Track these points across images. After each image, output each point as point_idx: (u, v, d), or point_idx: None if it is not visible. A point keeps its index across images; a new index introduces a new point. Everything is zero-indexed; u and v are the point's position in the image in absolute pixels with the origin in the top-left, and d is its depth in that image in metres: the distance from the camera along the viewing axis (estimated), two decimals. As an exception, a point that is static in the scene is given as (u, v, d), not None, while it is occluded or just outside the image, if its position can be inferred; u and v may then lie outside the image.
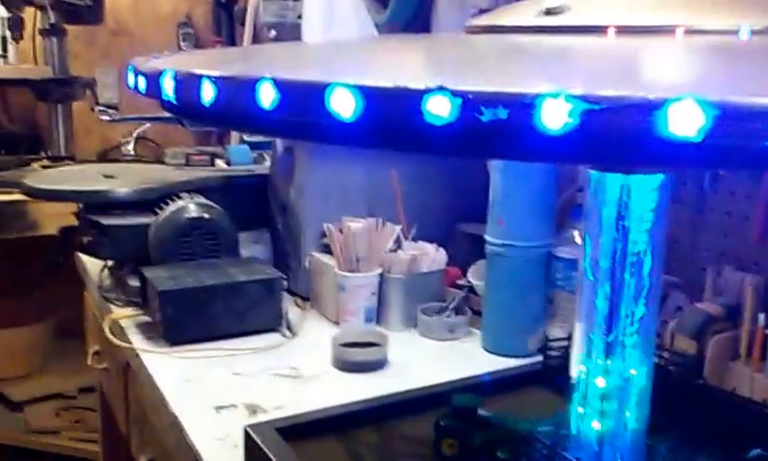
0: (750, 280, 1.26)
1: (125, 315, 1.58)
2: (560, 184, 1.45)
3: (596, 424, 0.82)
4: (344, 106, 0.45)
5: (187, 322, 1.45)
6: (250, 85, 0.49)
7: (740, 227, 1.35)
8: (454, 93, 0.41)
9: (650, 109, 0.37)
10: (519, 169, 1.39)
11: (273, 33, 2.54)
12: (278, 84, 0.48)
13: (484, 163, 1.60)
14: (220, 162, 2.08)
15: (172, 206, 1.61)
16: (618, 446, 0.82)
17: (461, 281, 1.61)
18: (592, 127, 0.39)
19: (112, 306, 1.65)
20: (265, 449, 0.87)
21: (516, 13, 0.63)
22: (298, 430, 0.93)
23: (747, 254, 1.34)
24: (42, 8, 3.11)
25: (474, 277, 1.58)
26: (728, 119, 0.37)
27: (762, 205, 1.28)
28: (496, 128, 0.40)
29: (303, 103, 0.47)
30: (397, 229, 1.60)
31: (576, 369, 0.83)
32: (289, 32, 2.52)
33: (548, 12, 0.58)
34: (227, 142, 2.66)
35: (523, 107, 0.40)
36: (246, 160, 2.01)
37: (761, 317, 1.20)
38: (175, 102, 0.57)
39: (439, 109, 0.42)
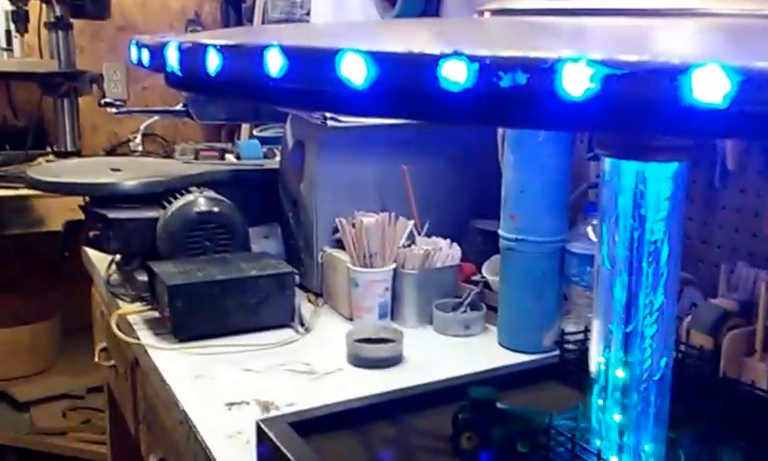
0: (763, 276, 1.27)
1: (133, 310, 1.58)
2: (574, 179, 1.45)
3: (617, 416, 0.82)
4: (355, 72, 0.44)
5: (197, 317, 1.45)
6: (257, 53, 0.48)
7: (751, 223, 1.36)
8: (471, 58, 0.41)
9: (674, 74, 0.37)
10: (532, 164, 1.39)
11: (281, 29, 2.54)
12: (286, 51, 0.47)
13: (497, 159, 1.61)
14: (230, 158, 2.09)
15: (181, 200, 1.62)
16: (641, 437, 0.82)
17: (475, 277, 1.61)
18: (615, 93, 0.39)
19: (120, 302, 1.65)
20: (278, 444, 0.87)
21: (529, -2, 0.63)
22: (311, 425, 0.93)
23: (759, 249, 1.34)
24: (47, 1, 3.13)
25: (489, 272, 1.59)
26: (754, 85, 0.36)
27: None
28: (516, 94, 0.40)
29: (313, 70, 0.46)
30: (411, 224, 1.60)
31: (595, 361, 0.83)
32: (297, 28, 2.52)
33: (561, -4, 0.59)
34: (237, 137, 2.67)
35: (543, 72, 0.39)
36: (256, 155, 2.02)
37: (776, 312, 1.20)
38: (180, 73, 0.57)
39: (455, 75, 0.42)
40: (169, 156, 2.39)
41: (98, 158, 2.23)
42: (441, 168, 1.75)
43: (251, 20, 2.84)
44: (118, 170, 1.78)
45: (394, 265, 1.55)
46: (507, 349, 1.45)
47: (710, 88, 0.37)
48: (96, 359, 2.03)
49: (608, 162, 0.78)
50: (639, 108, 0.39)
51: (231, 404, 1.22)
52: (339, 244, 1.62)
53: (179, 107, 1.93)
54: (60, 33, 3.17)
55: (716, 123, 0.38)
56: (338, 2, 1.94)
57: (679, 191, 0.77)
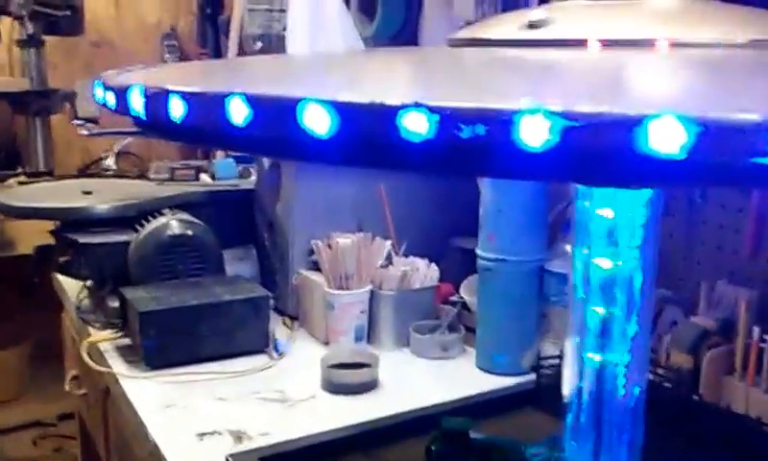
0: (743, 294, 1.28)
1: (104, 338, 1.57)
2: (551, 198, 1.46)
3: (590, 447, 0.82)
4: (318, 122, 0.45)
5: (169, 344, 1.45)
6: (220, 101, 0.48)
7: (733, 240, 1.37)
8: (431, 109, 0.41)
9: (630, 125, 0.38)
10: (510, 183, 1.40)
11: (258, 44, 2.54)
12: (250, 100, 0.48)
13: (474, 177, 1.61)
14: (205, 177, 2.08)
15: (153, 223, 1.61)
16: (613, 468, 0.82)
17: (453, 298, 1.61)
18: (573, 144, 0.39)
19: (91, 329, 1.64)
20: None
21: (500, 26, 0.63)
22: (283, 459, 0.93)
23: (740, 267, 1.35)
24: (19, 18, 3.11)
25: (467, 292, 1.59)
26: (711, 136, 0.37)
27: (753, 218, 1.30)
28: (476, 145, 0.40)
29: (276, 119, 0.47)
30: (388, 244, 1.60)
31: (569, 388, 0.83)
32: (275, 43, 2.52)
33: (531, 26, 0.59)
34: (212, 156, 2.67)
35: (502, 124, 0.40)
36: (231, 175, 2.01)
37: (756, 331, 1.22)
38: (144, 118, 0.57)
39: (416, 126, 0.42)
40: (143, 174, 2.38)
41: (69, 181, 2.21)
42: (418, 187, 1.75)
43: (227, 34, 2.83)
44: (89, 193, 1.77)
45: (370, 287, 1.55)
46: (485, 371, 1.45)
47: (667, 139, 0.37)
48: (67, 388, 2.01)
49: (580, 189, 0.78)
50: (599, 159, 0.39)
51: (203, 435, 1.22)
52: (315, 266, 1.62)
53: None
54: (33, 50, 3.16)
55: (676, 173, 0.38)
56: (315, 17, 1.94)
57: (653, 218, 0.77)
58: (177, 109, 0.53)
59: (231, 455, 0.92)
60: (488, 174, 0.43)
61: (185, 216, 1.65)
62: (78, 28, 3.21)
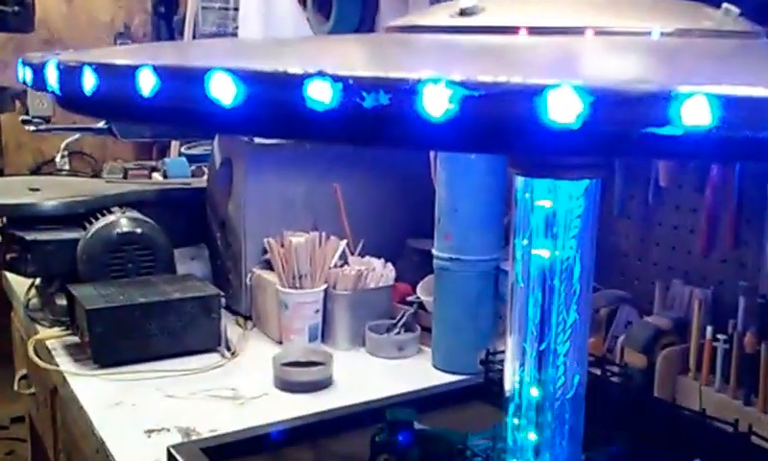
0: (697, 294, 1.31)
1: (52, 336, 1.58)
2: (508, 198, 1.49)
3: (532, 436, 0.85)
4: (224, 91, 0.47)
5: (118, 342, 1.46)
6: (129, 73, 0.50)
7: (687, 241, 1.40)
8: (335, 78, 0.43)
9: (528, 95, 0.40)
10: (465, 182, 1.42)
11: (212, 43, 2.55)
12: (158, 71, 0.50)
13: (431, 177, 1.63)
14: (157, 176, 2.09)
15: (102, 221, 1.62)
16: (555, 456, 0.85)
17: (410, 298, 1.63)
18: (473, 113, 0.41)
19: (39, 327, 1.65)
20: (190, 470, 0.88)
21: (434, 15, 0.66)
22: (226, 450, 0.95)
23: (694, 267, 1.39)
24: (-35, 14, 3.10)
25: (423, 292, 1.61)
26: (604, 105, 0.39)
27: (706, 218, 1.33)
28: (379, 114, 0.43)
29: (183, 89, 0.49)
30: (343, 243, 1.62)
31: (510, 380, 0.86)
32: (229, 41, 2.54)
33: (462, 13, 0.62)
34: (167, 155, 2.68)
35: (405, 92, 0.42)
36: (183, 173, 2.03)
37: (709, 330, 1.24)
38: (59, 93, 0.59)
39: (320, 95, 0.44)
40: (97, 175, 2.39)
41: (17, 178, 2.21)
42: (375, 185, 1.77)
43: (181, 33, 2.85)
44: (37, 190, 1.77)
45: (324, 286, 1.57)
46: (441, 370, 1.47)
47: (563, 109, 0.40)
48: (16, 387, 2.02)
49: (520, 180, 0.81)
50: (498, 128, 0.42)
51: (151, 431, 1.23)
52: (268, 265, 1.63)
53: (101, 124, 1.93)
54: (-20, 47, 3.14)
55: (571, 143, 0.41)
56: (266, 14, 1.97)
57: (590, 209, 0.80)
58: (89, 82, 0.55)
59: (173, 446, 0.93)
60: (391, 144, 0.45)
61: (135, 214, 1.66)
62: (28, 25, 3.19)
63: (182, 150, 2.39)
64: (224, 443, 0.96)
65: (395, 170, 1.78)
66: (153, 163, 2.47)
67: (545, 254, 0.81)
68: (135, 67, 0.50)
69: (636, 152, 0.41)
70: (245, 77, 0.46)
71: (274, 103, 0.46)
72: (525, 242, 0.82)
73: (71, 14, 3.61)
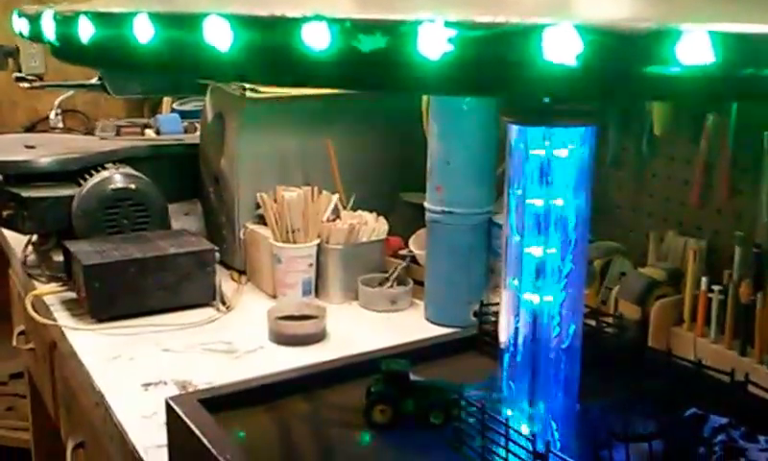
0: (692, 244, 1.30)
1: (49, 291, 1.57)
2: (501, 150, 1.47)
3: (527, 386, 0.84)
4: (220, 37, 0.45)
5: (114, 297, 1.45)
6: (126, 20, 0.49)
7: (681, 191, 1.38)
8: (331, 21, 0.42)
9: (527, 34, 0.38)
10: (457, 134, 1.41)
11: None
12: (154, 17, 0.48)
13: (423, 130, 1.61)
14: (150, 132, 2.07)
15: (96, 177, 1.60)
16: (550, 407, 0.84)
17: (403, 251, 1.62)
18: (471, 54, 0.40)
19: (36, 283, 1.64)
20: (187, 421, 0.87)
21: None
22: (222, 401, 0.94)
23: (689, 218, 1.37)
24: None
25: (416, 246, 1.60)
26: (603, 44, 0.38)
27: (701, 169, 1.32)
28: (376, 57, 0.41)
29: (180, 35, 0.48)
30: (335, 198, 1.60)
31: (505, 331, 0.85)
32: None
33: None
34: (159, 111, 2.65)
35: (401, 34, 0.41)
36: (176, 129, 2.00)
37: (704, 281, 1.23)
38: (57, 43, 0.58)
39: (316, 38, 0.43)
40: (90, 132, 2.36)
41: (12, 135, 2.19)
42: (367, 140, 1.75)
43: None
44: (33, 147, 1.75)
45: (317, 240, 1.56)
46: (434, 323, 1.47)
47: (563, 48, 0.38)
48: (14, 343, 2.01)
49: (514, 129, 0.79)
50: (495, 69, 0.40)
51: (148, 385, 1.23)
52: (261, 220, 1.62)
53: (94, 80, 1.91)
54: (-29, 5, 3.09)
55: (570, 83, 0.39)
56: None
57: (586, 156, 0.79)
58: (86, 31, 0.53)
59: (171, 398, 0.93)
60: (389, 86, 0.44)
61: (129, 170, 1.65)
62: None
63: (174, 106, 2.36)
64: (221, 394, 0.95)
65: (386, 124, 1.76)
66: (145, 120, 2.44)
67: (539, 203, 0.79)
68: (131, 14, 0.48)
69: (636, 92, 0.39)
70: (241, 21, 0.44)
71: (270, 47, 0.44)
72: (519, 192, 0.80)
73: (63, -29, 3.55)
